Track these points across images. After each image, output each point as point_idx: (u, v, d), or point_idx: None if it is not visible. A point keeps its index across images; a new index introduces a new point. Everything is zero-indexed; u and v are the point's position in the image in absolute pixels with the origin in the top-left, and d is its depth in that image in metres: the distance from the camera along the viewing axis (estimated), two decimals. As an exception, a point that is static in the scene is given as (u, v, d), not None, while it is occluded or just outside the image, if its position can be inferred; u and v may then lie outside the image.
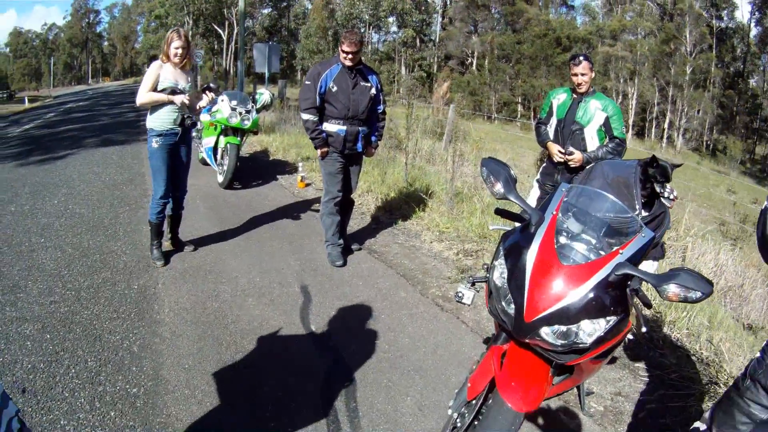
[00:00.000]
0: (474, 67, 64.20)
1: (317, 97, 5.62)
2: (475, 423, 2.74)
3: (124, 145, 11.87)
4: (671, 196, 4.19)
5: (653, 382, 4.43)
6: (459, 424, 2.87)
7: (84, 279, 5.10)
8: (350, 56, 5.58)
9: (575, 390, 3.92)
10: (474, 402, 2.83)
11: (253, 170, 10.35)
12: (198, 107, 5.57)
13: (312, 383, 3.85)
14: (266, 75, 17.31)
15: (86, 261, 5.52)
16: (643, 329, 2.98)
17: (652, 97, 56.47)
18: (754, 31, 58.19)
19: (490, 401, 2.70)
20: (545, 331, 2.50)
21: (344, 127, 5.75)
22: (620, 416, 3.98)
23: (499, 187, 2.98)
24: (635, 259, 2.67)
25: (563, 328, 2.50)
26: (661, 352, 4.80)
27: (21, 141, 13.70)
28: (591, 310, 2.48)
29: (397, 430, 3.50)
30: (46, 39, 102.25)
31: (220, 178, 8.82)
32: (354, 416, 3.56)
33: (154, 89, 5.22)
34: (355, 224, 7.40)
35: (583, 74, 5.19)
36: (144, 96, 5.20)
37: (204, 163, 9.55)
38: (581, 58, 5.22)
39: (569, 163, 5.33)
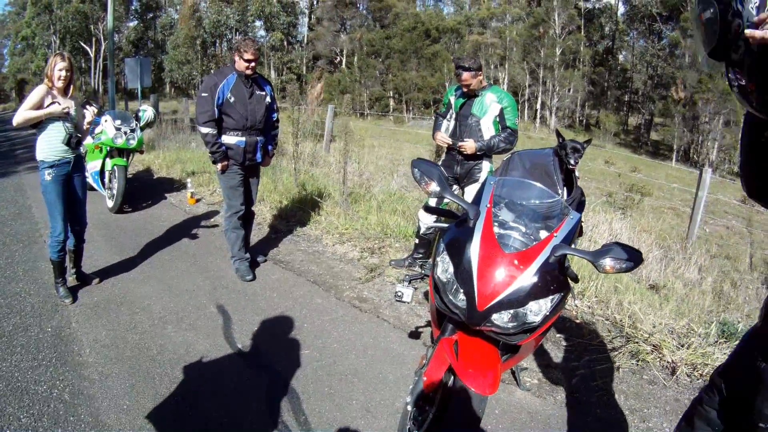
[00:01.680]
0: (344, 66, 64.30)
1: (215, 110, 5.61)
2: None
3: (1, 178, 11.31)
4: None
5: (577, 350, 4.79)
6: (420, 417, 3.07)
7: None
8: (252, 64, 5.63)
9: (516, 373, 4.24)
10: (431, 394, 3.03)
11: (140, 191, 10.13)
12: (85, 125, 5.47)
13: (255, 402, 3.92)
14: (139, 91, 16.85)
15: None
16: (575, 302, 3.28)
17: (523, 80, 58.29)
18: (621, 9, 61.13)
19: (456, 388, 2.92)
20: (497, 317, 2.71)
21: (243, 138, 5.80)
22: (555, 386, 4.29)
23: (434, 186, 3.15)
24: (568, 240, 2.95)
25: (513, 311, 2.71)
26: (577, 322, 5.17)
27: None
28: (537, 291, 2.71)
29: (350, 434, 3.64)
30: None
31: (110, 203, 8.59)
32: (307, 428, 3.67)
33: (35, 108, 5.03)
34: (254, 236, 7.40)
35: (467, 83, 5.57)
36: (21, 114, 4.95)
37: (90, 188, 9.29)
38: (460, 71, 5.60)
39: (462, 150, 5.64)
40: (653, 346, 4.76)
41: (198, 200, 9.60)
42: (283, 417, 3.77)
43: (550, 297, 2.75)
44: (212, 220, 8.42)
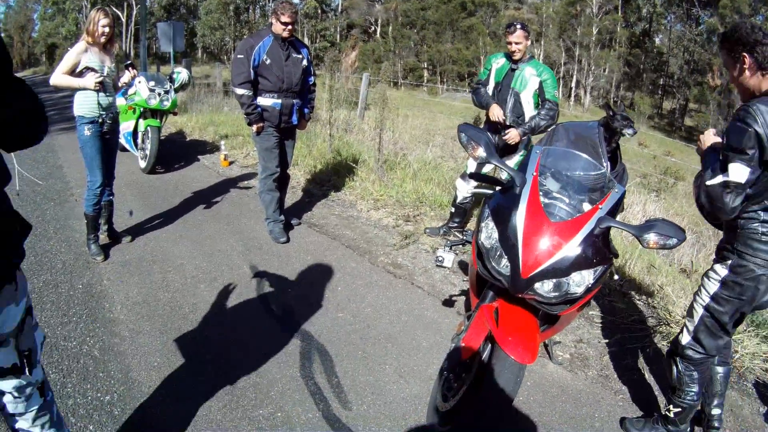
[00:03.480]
0: (378, 35, 63.91)
1: (251, 71, 5.51)
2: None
3: (32, 139, 11.30)
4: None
5: (609, 328, 4.68)
6: (455, 384, 2.97)
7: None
8: (289, 27, 5.51)
9: (544, 343, 4.14)
10: (468, 361, 2.97)
11: (173, 152, 10.06)
12: (120, 84, 5.41)
13: (288, 366, 3.83)
14: (171, 55, 16.77)
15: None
16: (615, 277, 3.20)
17: (558, 57, 57.43)
18: (659, -9, 59.85)
19: (493, 358, 2.81)
20: (539, 286, 2.68)
21: (279, 101, 5.69)
22: (586, 361, 4.20)
23: (480, 152, 3.12)
24: (612, 213, 2.92)
25: (555, 281, 2.67)
26: (611, 300, 5.05)
27: None
28: (580, 262, 2.67)
29: (384, 398, 3.55)
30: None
31: (143, 164, 8.54)
32: (339, 391, 3.59)
33: (71, 72, 4.97)
34: (288, 199, 7.31)
35: (517, 43, 5.45)
36: (58, 77, 4.93)
37: (122, 149, 9.21)
38: (517, 26, 5.48)
39: (506, 140, 5.52)
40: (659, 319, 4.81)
41: (231, 162, 9.52)
42: (315, 379, 3.70)
43: (593, 269, 2.74)
44: (246, 182, 8.31)
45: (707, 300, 2.92)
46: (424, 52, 59.53)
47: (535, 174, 2.98)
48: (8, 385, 2.01)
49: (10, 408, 2.07)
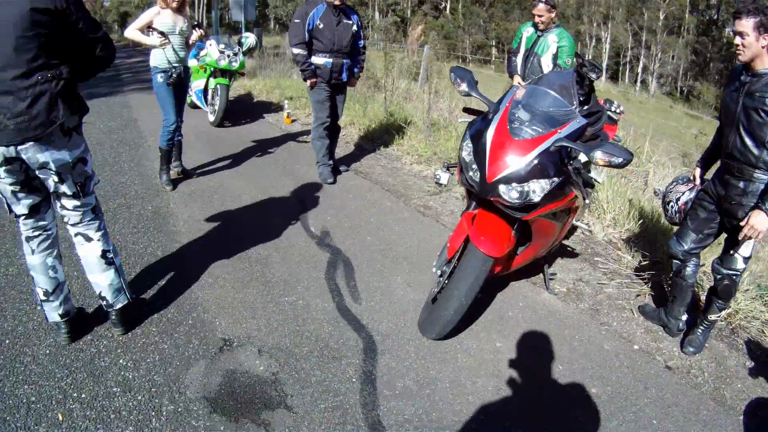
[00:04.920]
0: (448, 12, 63.87)
1: (306, 34, 6.18)
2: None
3: (108, 96, 12.07)
4: (618, 110, 4.96)
5: (610, 273, 5.14)
6: (440, 279, 3.69)
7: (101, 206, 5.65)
8: None
9: (542, 274, 4.74)
10: (452, 259, 3.64)
11: (240, 111, 10.84)
12: (191, 41, 6.07)
13: (315, 270, 4.55)
14: (242, 24, 17.55)
15: (98, 192, 5.97)
16: (587, 201, 3.78)
17: (625, 41, 56.45)
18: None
19: (466, 252, 3.46)
20: (503, 189, 3.25)
21: (330, 60, 6.33)
22: (581, 296, 4.69)
23: (464, 87, 3.81)
24: (572, 138, 3.47)
25: (518, 186, 3.23)
26: (619, 252, 5.51)
27: None
28: (537, 172, 3.24)
29: (390, 299, 4.21)
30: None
31: (211, 118, 9.30)
32: (354, 291, 4.29)
33: (144, 30, 5.68)
34: (341, 151, 8.03)
35: (539, 15, 5.98)
36: (132, 32, 5.68)
37: (193, 106, 9.98)
38: (540, 0, 5.90)
39: None
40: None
41: (293, 120, 10.21)
42: (336, 281, 4.40)
43: (550, 180, 3.28)
44: (305, 137, 8.97)
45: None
46: (492, 29, 59.30)
47: (507, 105, 3.56)
48: (71, 204, 3.15)
49: (73, 220, 3.23)
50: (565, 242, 5.41)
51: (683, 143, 21.84)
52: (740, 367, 4.06)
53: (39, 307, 3.40)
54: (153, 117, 6.20)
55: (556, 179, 3.31)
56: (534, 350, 3.87)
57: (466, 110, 4.21)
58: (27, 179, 2.92)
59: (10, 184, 2.88)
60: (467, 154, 3.51)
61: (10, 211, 3.02)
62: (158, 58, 5.86)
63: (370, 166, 7.64)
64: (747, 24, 3.20)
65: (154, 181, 6.30)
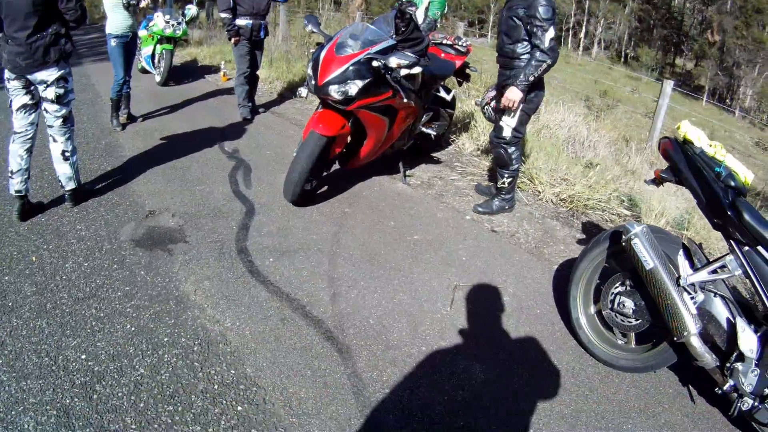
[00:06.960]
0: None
1: (231, 1, 7.70)
2: None
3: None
4: (464, 45, 6.39)
5: (468, 176, 6.64)
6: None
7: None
8: None
9: (401, 171, 6.22)
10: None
11: (185, 73, 12.36)
12: (142, 5, 7.50)
13: (223, 171, 6.32)
14: (194, -2, 18.73)
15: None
16: (405, 100, 5.26)
17: (569, 8, 58.24)
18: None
19: (308, 133, 5.00)
20: (331, 89, 4.75)
21: (251, 21, 7.86)
22: (431, 186, 6.24)
23: (310, 27, 5.41)
24: (384, 54, 4.90)
25: (340, 87, 4.74)
26: (486, 163, 7.03)
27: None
28: (352, 75, 4.76)
29: (273, 186, 5.91)
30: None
31: (158, 78, 10.82)
32: (248, 182, 6.16)
33: None
34: (264, 98, 9.81)
35: None
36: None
37: (143, 71, 11.43)
38: None
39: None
40: (529, 179, 6.39)
41: (230, 79, 11.66)
42: (236, 177, 6.14)
43: (363, 81, 4.75)
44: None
45: (521, 105, 4.93)
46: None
47: (338, 36, 5.03)
48: (51, 108, 4.73)
49: (49, 122, 4.79)
50: (434, 155, 6.98)
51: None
52: (569, 238, 5.24)
53: (6, 183, 4.82)
54: (108, 81, 7.68)
55: (365, 81, 4.71)
56: (375, 213, 5.40)
57: (319, 44, 5.57)
58: (27, 86, 4.57)
59: (17, 89, 4.56)
60: (309, 69, 4.98)
61: (11, 105, 4.63)
62: (113, 26, 7.24)
63: (285, 109, 9.40)
64: None
65: (107, 125, 7.81)
